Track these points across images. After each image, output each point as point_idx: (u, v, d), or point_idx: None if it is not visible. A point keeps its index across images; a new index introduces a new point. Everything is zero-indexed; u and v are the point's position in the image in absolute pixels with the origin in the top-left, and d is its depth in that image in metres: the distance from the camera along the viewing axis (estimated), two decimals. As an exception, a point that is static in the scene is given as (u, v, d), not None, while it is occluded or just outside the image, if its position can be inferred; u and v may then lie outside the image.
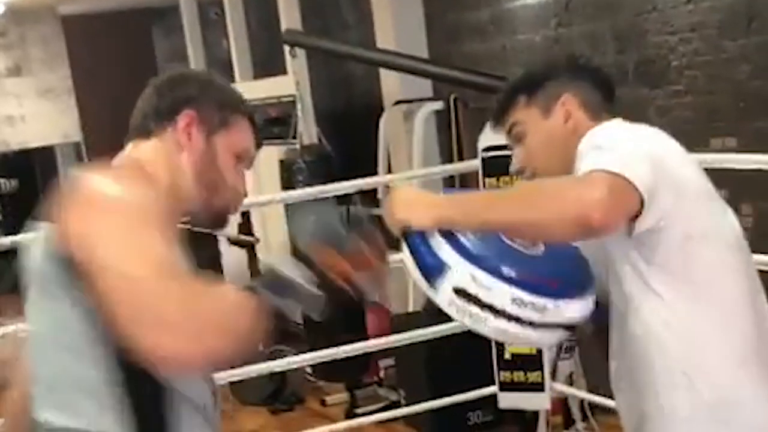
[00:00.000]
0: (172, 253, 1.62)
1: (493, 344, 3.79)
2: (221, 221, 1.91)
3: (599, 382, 4.06)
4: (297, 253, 1.73)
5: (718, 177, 4.49)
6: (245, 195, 1.93)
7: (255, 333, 1.63)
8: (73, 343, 1.67)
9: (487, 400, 4.68)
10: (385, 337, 4.90)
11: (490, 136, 3.73)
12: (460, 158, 5.94)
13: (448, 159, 6.24)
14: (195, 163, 1.83)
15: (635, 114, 5.07)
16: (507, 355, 3.71)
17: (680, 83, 4.98)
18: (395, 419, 5.18)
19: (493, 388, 3.86)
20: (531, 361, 3.68)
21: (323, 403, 6.20)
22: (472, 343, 4.98)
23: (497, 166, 3.66)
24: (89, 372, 1.67)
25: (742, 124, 4.67)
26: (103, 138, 9.44)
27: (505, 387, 3.71)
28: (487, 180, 3.68)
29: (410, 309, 5.98)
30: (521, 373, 3.69)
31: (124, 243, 1.59)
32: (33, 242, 1.75)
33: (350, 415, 5.86)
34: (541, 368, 3.63)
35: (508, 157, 3.63)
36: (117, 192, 1.66)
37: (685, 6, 4.90)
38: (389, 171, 6.45)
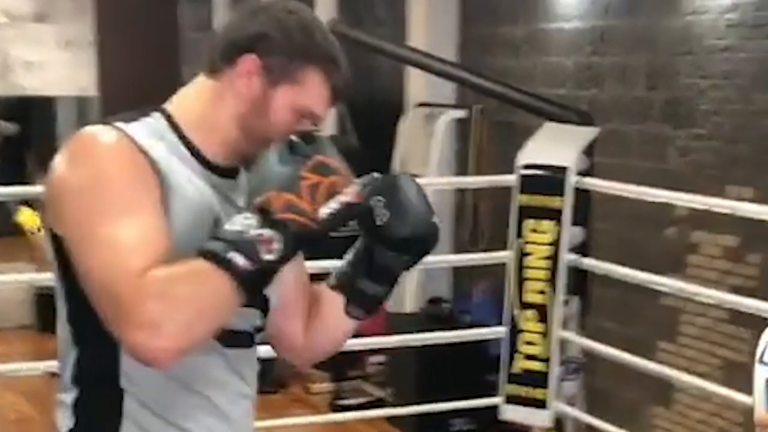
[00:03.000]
0: (146, 234, 1.55)
1: (503, 357, 3.85)
2: (248, 162, 1.73)
3: (598, 407, 4.13)
4: (249, 207, 1.59)
5: (729, 224, 4.64)
6: (294, 137, 1.70)
7: (233, 306, 1.57)
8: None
9: (470, 409, 4.76)
10: (379, 337, 4.91)
11: (530, 153, 3.79)
12: (478, 170, 6.00)
13: (463, 169, 6.30)
14: (242, 110, 1.70)
15: (654, 150, 5.23)
16: (516, 369, 3.77)
17: (705, 127, 5.05)
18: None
19: (496, 400, 3.93)
20: (539, 377, 3.75)
21: (307, 390, 6.25)
22: (464, 350, 5.13)
23: (533, 185, 3.73)
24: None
25: (760, 176, 4.73)
26: (118, 95, 9.49)
27: (511, 400, 3.78)
28: (520, 197, 3.75)
29: (407, 309, 6.05)
30: (528, 389, 3.76)
31: (92, 231, 1.55)
32: None
33: (334, 406, 5.92)
34: (547, 386, 3.70)
35: (546, 177, 3.74)
36: (86, 163, 1.59)
37: (720, 53, 4.96)
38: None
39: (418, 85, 6.75)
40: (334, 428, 5.10)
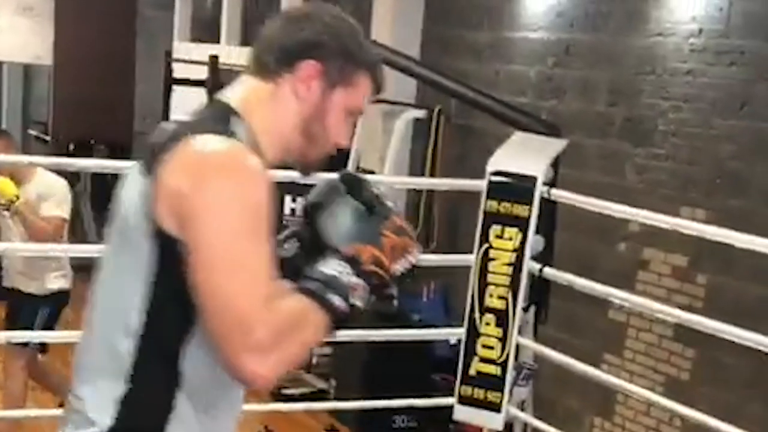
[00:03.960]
0: (269, 262, 1.67)
1: (461, 358, 3.89)
2: (309, 170, 1.89)
3: (541, 414, 4.20)
4: (339, 253, 1.75)
5: (680, 243, 4.74)
6: (344, 145, 1.90)
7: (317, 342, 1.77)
8: (127, 283, 1.72)
9: (413, 407, 4.81)
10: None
11: (500, 160, 3.84)
12: (434, 171, 6.05)
13: (418, 169, 6.34)
14: (305, 115, 1.81)
15: (612, 165, 5.31)
16: (472, 371, 3.82)
17: (663, 147, 5.15)
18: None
19: (450, 400, 3.97)
20: (494, 381, 3.81)
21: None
22: (411, 349, 5.18)
23: (502, 192, 3.78)
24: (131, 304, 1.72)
25: (714, 200, 4.84)
26: (71, 66, 9.38)
27: (464, 401, 3.82)
28: (489, 202, 3.80)
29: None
30: (482, 391, 3.81)
31: (230, 249, 1.63)
32: (130, 180, 1.77)
33: (276, 395, 5.91)
34: (502, 390, 3.76)
35: (515, 185, 3.79)
36: (235, 181, 1.65)
37: (683, 76, 5.06)
38: (357, 168, 6.51)
39: (378, 81, 6.76)
40: (276, 417, 5.10)
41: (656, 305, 3.81)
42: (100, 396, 1.73)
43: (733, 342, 3.42)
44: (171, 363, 1.71)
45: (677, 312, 3.78)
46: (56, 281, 5.18)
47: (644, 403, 4.95)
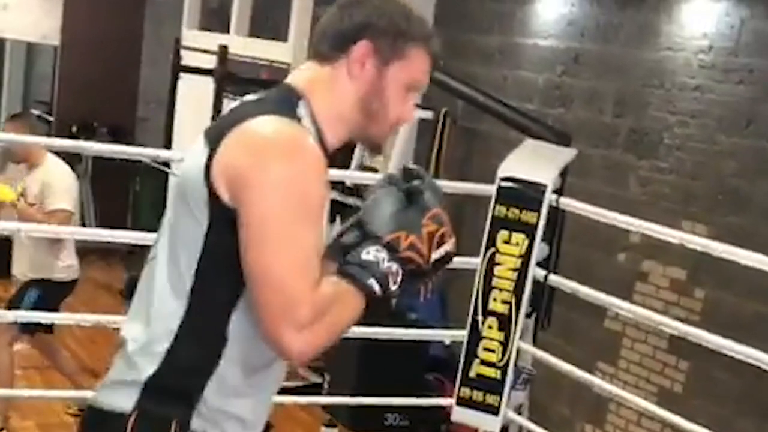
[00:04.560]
0: (318, 245, 1.75)
1: (461, 359, 3.93)
2: (375, 147, 1.96)
3: (537, 418, 4.24)
4: (379, 239, 1.80)
5: (680, 257, 4.78)
6: (409, 121, 1.98)
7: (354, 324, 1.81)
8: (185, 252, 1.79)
9: (405, 406, 4.85)
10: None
11: (510, 166, 3.88)
12: (437, 173, 6.08)
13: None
14: (362, 93, 1.87)
15: (615, 176, 5.35)
16: (472, 374, 3.85)
17: (667, 161, 5.19)
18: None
19: (445, 400, 4.01)
20: (493, 384, 3.84)
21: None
22: (406, 347, 5.20)
23: (511, 197, 3.81)
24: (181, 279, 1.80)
25: (715, 215, 4.89)
26: (77, 47, 9.38)
27: (462, 402, 3.86)
28: (498, 207, 3.83)
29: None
30: (480, 393, 3.84)
31: (283, 229, 1.71)
32: (193, 151, 1.82)
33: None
34: (500, 393, 3.79)
35: (524, 191, 3.82)
36: (293, 163, 1.72)
37: (691, 92, 5.10)
38: (361, 166, 6.53)
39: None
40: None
41: (659, 317, 3.84)
42: (147, 346, 1.81)
43: (727, 357, 3.45)
44: (217, 327, 1.78)
45: (679, 325, 3.80)
46: (61, 272, 5.20)
47: (636, 412, 5.00)
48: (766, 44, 4.77)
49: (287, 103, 1.82)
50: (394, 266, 1.78)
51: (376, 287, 1.76)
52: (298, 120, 1.80)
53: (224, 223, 1.74)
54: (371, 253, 1.78)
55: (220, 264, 1.77)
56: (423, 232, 1.82)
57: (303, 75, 1.90)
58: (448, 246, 1.87)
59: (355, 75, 1.86)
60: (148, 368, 1.80)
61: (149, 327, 1.81)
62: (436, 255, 1.84)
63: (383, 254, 1.78)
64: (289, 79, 1.90)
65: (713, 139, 4.98)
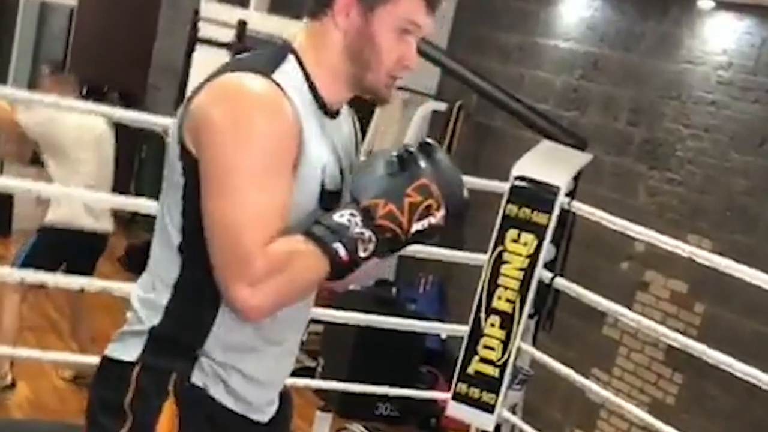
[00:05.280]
0: (281, 200, 1.71)
1: (461, 355, 3.94)
2: (379, 98, 1.91)
3: (529, 420, 4.25)
4: (356, 204, 1.76)
5: (683, 270, 4.79)
6: (412, 65, 1.88)
7: (317, 285, 1.78)
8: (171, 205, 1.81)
9: (397, 396, 4.84)
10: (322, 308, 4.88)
11: (525, 166, 3.88)
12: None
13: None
14: (349, 43, 1.83)
15: (625, 184, 5.36)
16: (471, 370, 3.86)
17: (678, 173, 5.20)
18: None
19: (440, 394, 4.02)
20: (491, 382, 3.85)
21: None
22: (402, 338, 5.20)
23: (523, 197, 3.81)
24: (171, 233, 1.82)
25: (721, 231, 4.90)
26: (96, 8, 9.34)
27: (458, 398, 3.87)
28: (509, 206, 3.84)
29: (351, 286, 6.10)
30: (477, 390, 3.85)
31: (238, 181, 1.68)
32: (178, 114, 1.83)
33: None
34: (497, 392, 3.81)
35: (537, 192, 3.83)
36: (255, 117, 1.70)
37: (707, 106, 5.11)
38: (370, 153, 6.54)
39: (401, 68, 6.78)
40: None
41: (662, 329, 3.84)
42: (151, 300, 1.83)
43: (722, 373, 3.47)
44: (211, 282, 1.75)
45: (682, 338, 3.80)
46: (49, 214, 5.15)
47: (627, 421, 5.02)
48: (785, 66, 4.78)
49: (274, 59, 1.81)
50: (367, 233, 1.73)
51: (342, 252, 1.71)
52: (281, 74, 1.77)
53: (196, 174, 1.74)
54: (344, 217, 1.74)
55: (200, 219, 1.75)
56: (405, 202, 1.75)
57: (299, 34, 1.88)
58: (434, 219, 1.78)
59: (342, 26, 1.83)
60: (152, 320, 1.82)
61: (152, 281, 1.84)
62: (417, 227, 1.76)
63: (357, 219, 1.73)
64: (289, 39, 1.89)
65: (725, 155, 4.99)
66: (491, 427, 3.84)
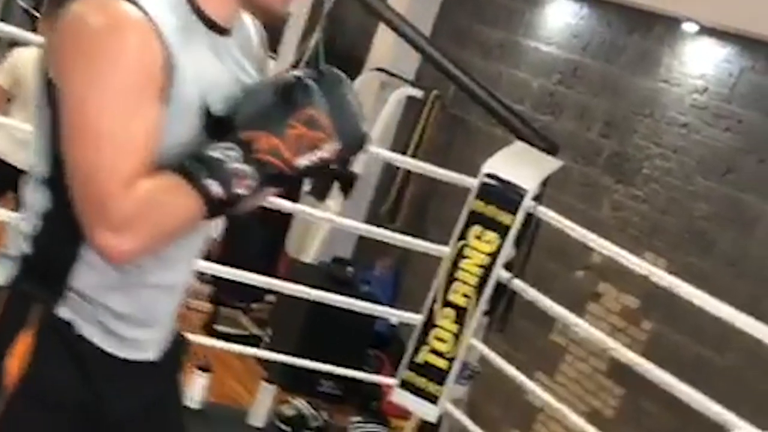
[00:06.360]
0: (144, 133, 1.59)
1: (411, 344, 3.97)
2: (272, 11, 1.78)
3: (471, 416, 4.29)
4: (234, 137, 1.64)
5: (636, 286, 4.84)
6: None
7: (193, 225, 1.67)
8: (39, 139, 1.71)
9: (339, 376, 4.86)
10: (278, 280, 4.89)
11: (495, 164, 3.91)
12: (417, 153, 6.10)
13: (402, 147, 6.38)
14: None
15: (591, 195, 5.40)
16: (420, 359, 3.89)
17: (643, 190, 5.25)
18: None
19: (389, 380, 4.05)
20: (439, 373, 3.88)
21: (185, 303, 6.24)
22: (353, 319, 5.21)
23: (491, 195, 3.84)
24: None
25: (677, 253, 4.97)
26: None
27: (405, 386, 3.90)
28: (475, 202, 3.86)
29: (307, 260, 6.11)
30: (424, 380, 3.88)
31: (93, 115, 1.57)
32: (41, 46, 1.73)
33: (208, 328, 5.94)
34: (443, 384, 3.84)
35: (505, 192, 3.85)
36: (115, 42, 1.57)
37: (678, 128, 5.16)
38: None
39: (382, 50, 6.79)
40: (203, 350, 5.01)
41: (613, 342, 3.90)
42: (24, 228, 1.74)
43: (662, 392, 3.52)
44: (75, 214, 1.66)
45: (630, 354, 3.84)
46: None
47: (563, 427, 5.07)
48: (759, 98, 4.82)
49: None
50: (247, 168, 1.61)
51: (215, 188, 1.59)
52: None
53: (59, 105, 1.63)
54: (218, 150, 1.61)
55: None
56: (288, 134, 1.63)
57: None
58: (323, 153, 1.66)
59: None
60: (22, 245, 1.74)
61: (27, 208, 1.75)
62: (303, 161, 1.65)
63: (234, 153, 1.61)
64: None
65: (690, 178, 5.04)
66: (433, 419, 3.87)
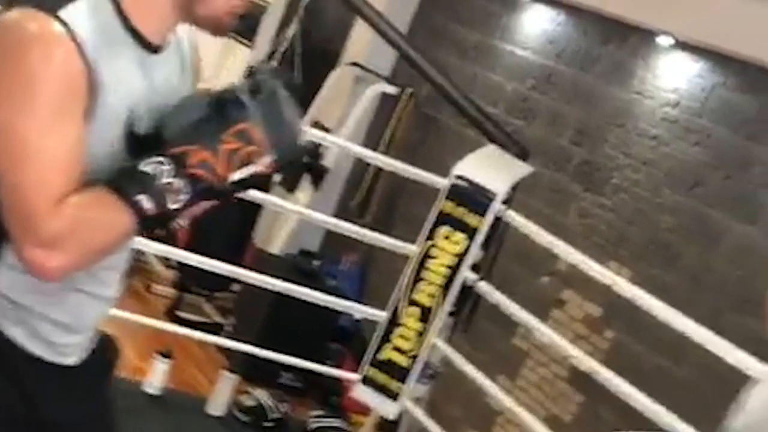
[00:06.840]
0: (70, 149, 1.58)
1: (375, 340, 3.98)
2: (217, 30, 1.77)
3: (431, 415, 4.31)
4: (165, 151, 1.64)
5: (599, 294, 4.87)
6: None
7: (126, 240, 1.68)
8: None
9: (300, 369, 4.86)
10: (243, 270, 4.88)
11: (467, 166, 3.93)
12: (388, 150, 6.10)
13: (373, 143, 6.38)
14: None
15: (558, 201, 5.43)
16: (382, 356, 3.90)
17: (611, 199, 5.28)
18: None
19: (352, 375, 4.06)
20: (400, 371, 3.90)
21: (148, 287, 6.22)
22: (317, 312, 5.19)
23: (461, 196, 3.86)
24: None
25: (641, 263, 5.00)
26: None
27: (367, 382, 3.91)
28: (444, 202, 3.88)
29: (274, 251, 6.10)
30: (386, 377, 3.90)
31: (18, 132, 1.56)
32: None
33: (171, 314, 5.92)
34: (405, 382, 3.86)
35: (475, 195, 3.88)
36: (35, 61, 1.55)
37: (648, 140, 5.19)
38: (315, 124, 6.51)
39: (358, 45, 6.78)
40: (165, 336, 5.01)
41: (577, 352, 3.93)
42: None
43: (621, 401, 3.56)
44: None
45: (594, 364, 3.87)
46: None
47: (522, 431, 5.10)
48: (729, 115, 4.85)
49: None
50: (179, 183, 1.62)
51: (147, 203, 1.60)
52: (73, 11, 1.60)
53: None
54: (149, 166, 1.61)
55: None
56: (220, 148, 1.63)
57: None
58: (257, 167, 1.67)
59: None
60: None
61: None
62: (237, 175, 1.65)
63: (166, 168, 1.61)
64: None
65: (658, 190, 5.07)
66: (393, 416, 3.89)
